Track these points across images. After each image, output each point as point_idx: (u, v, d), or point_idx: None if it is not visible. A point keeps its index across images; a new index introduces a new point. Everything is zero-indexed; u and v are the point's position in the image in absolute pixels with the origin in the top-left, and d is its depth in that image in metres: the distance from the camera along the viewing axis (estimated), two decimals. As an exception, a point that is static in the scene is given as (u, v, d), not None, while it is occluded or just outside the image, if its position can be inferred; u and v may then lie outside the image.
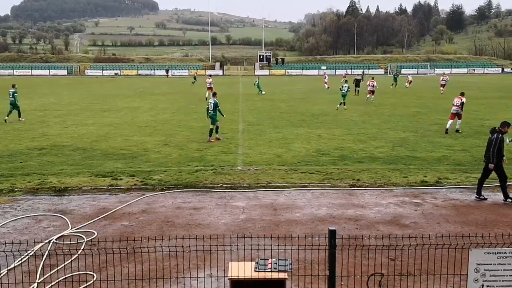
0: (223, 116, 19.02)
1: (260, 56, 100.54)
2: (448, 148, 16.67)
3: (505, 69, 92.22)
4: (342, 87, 29.61)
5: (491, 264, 4.49)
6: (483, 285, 4.53)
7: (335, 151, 16.29)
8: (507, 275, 4.51)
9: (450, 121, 20.12)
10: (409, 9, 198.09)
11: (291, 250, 5.52)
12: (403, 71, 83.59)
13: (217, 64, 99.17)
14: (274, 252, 5.56)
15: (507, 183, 10.87)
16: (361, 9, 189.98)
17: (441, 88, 42.73)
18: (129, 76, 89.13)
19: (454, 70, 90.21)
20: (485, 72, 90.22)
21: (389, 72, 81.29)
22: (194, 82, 57.74)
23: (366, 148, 16.78)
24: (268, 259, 5.19)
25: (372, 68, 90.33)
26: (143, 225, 9.10)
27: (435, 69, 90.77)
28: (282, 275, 5.01)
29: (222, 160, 14.95)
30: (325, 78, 52.03)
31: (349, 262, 5.88)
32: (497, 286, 4.53)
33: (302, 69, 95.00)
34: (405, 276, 6.63)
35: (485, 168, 10.76)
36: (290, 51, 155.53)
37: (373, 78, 36.37)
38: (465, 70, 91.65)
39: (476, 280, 4.52)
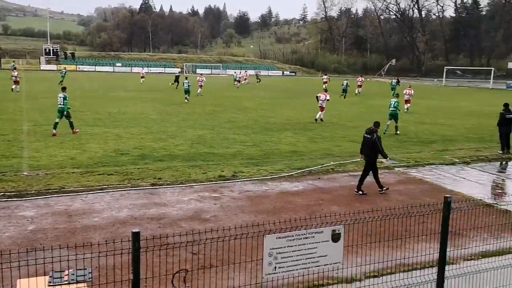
0: (69, 109, 19.05)
1: (46, 49, 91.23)
2: (241, 144, 17.99)
3: (285, 72, 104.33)
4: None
5: (281, 247, 5.00)
6: (275, 267, 5.01)
7: (135, 150, 15.94)
8: (294, 256, 5.09)
9: (320, 113, 24.50)
10: (201, 12, 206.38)
11: (91, 258, 5.15)
12: (198, 70, 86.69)
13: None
14: (72, 262, 5.10)
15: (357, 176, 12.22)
16: (154, 7, 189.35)
17: (236, 83, 53.62)
18: None
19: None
20: (269, 74, 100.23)
21: (185, 71, 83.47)
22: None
23: (166, 146, 16.88)
24: (64, 271, 4.75)
25: (168, 67, 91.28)
26: None
27: (227, 70, 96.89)
28: (81, 286, 4.66)
29: (2, 165, 13.10)
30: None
31: (154, 262, 5.81)
32: (287, 266, 5.08)
33: (95, 65, 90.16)
34: (208, 268, 6.90)
35: (366, 165, 11.67)
36: (80, 45, 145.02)
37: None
38: (253, 72, 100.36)
39: (270, 263, 4.97)
